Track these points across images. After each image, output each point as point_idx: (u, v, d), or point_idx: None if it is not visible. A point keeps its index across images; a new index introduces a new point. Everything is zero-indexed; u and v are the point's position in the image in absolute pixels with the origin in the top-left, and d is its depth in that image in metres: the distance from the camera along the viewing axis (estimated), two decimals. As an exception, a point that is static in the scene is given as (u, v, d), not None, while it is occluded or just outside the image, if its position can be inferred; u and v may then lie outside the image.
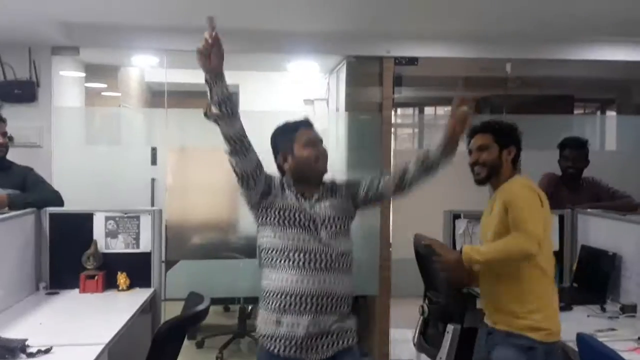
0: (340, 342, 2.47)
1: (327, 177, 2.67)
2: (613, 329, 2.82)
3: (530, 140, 5.14)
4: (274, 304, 2.43)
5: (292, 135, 2.60)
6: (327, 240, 2.49)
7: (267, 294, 2.47)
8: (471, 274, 2.75)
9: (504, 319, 2.69)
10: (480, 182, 2.89)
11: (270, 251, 2.48)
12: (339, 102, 5.67)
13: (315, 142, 2.61)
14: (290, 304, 2.41)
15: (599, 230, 3.64)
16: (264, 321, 2.47)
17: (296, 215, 2.50)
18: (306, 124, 2.65)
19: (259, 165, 2.51)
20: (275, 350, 2.43)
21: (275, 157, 2.65)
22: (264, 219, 2.53)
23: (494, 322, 2.76)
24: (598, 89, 7.41)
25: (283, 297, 2.42)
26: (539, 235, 2.53)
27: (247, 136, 2.45)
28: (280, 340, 2.42)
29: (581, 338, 2.29)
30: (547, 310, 2.66)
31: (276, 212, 2.51)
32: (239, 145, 2.41)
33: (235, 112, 2.40)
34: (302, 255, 2.44)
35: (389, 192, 2.68)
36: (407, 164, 2.64)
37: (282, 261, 2.45)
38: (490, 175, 2.84)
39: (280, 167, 2.64)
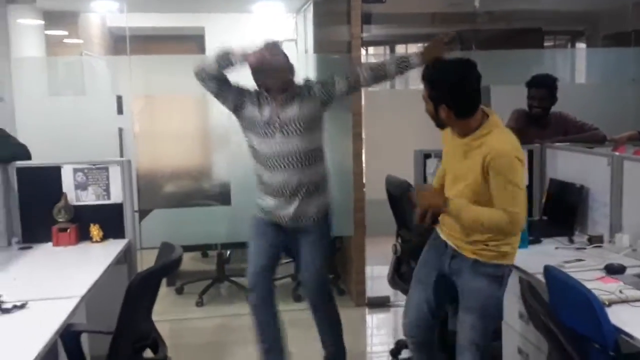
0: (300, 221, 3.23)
1: (299, 80, 3.18)
2: (580, 260, 2.87)
3: (500, 75, 5.17)
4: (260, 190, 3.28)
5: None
6: (281, 140, 3.10)
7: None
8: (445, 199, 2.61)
9: (471, 248, 2.57)
10: (438, 127, 2.66)
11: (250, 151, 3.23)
12: (307, 43, 5.58)
13: (262, 51, 3.07)
14: (267, 191, 3.23)
15: (567, 164, 3.68)
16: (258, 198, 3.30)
17: (256, 122, 3.13)
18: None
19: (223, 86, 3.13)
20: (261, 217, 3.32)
21: None
22: (241, 125, 3.22)
23: (458, 246, 2.63)
24: (567, 21, 7.38)
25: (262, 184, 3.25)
26: (523, 220, 2.48)
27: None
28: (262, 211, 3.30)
29: (547, 270, 2.33)
30: (515, 241, 2.61)
31: (245, 121, 3.18)
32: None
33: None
34: (264, 157, 3.15)
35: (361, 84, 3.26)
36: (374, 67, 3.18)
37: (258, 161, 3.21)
38: (439, 125, 2.61)
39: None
